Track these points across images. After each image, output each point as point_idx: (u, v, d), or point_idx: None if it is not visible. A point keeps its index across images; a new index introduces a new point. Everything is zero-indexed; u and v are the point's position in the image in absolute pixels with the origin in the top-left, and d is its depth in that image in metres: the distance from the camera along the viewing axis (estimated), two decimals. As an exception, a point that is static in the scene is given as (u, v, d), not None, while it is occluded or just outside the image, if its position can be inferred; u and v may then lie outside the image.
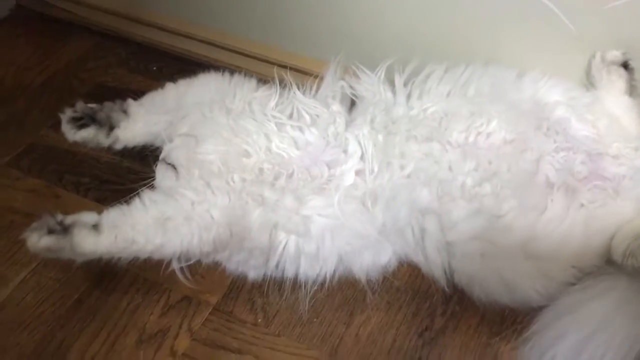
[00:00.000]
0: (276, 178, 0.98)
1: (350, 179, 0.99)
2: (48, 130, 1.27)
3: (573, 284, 0.91)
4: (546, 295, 0.91)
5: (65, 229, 0.90)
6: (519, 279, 0.92)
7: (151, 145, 1.12)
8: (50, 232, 0.89)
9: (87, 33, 1.48)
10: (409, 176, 0.97)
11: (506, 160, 0.96)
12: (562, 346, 0.86)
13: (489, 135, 0.99)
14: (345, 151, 1.00)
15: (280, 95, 1.07)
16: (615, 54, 1.04)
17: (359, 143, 1.00)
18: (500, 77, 1.05)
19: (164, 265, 0.99)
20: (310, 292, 0.99)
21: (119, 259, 0.93)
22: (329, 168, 1.00)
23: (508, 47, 1.08)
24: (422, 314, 0.98)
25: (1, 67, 1.42)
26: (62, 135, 1.11)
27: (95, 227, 0.90)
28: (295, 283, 1.00)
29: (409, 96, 1.05)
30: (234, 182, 0.95)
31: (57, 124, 1.12)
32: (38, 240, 0.88)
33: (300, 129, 1.02)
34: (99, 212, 0.93)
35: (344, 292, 1.01)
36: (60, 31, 1.50)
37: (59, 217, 0.91)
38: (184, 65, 1.35)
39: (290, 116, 1.04)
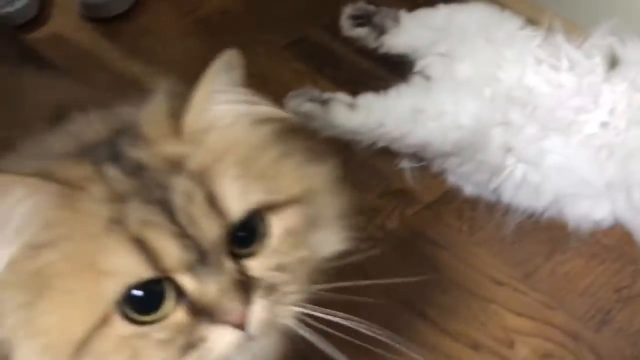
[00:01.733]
0: (523, 107, 1.03)
1: (593, 128, 1.01)
2: (320, 29, 1.45)
3: None
4: None
5: (324, 102, 1.06)
6: None
7: (407, 58, 1.24)
8: (311, 100, 1.06)
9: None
10: (654, 140, 0.97)
11: None
12: None
13: None
14: (595, 102, 1.03)
15: (545, 38, 1.11)
16: None
17: (613, 98, 1.02)
18: None
19: (394, 159, 1.12)
20: (518, 220, 1.05)
21: (359, 141, 1.07)
22: (575, 114, 1.03)
23: None
24: (624, 274, 0.99)
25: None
26: (330, 35, 1.27)
27: (351, 106, 1.05)
28: (507, 208, 1.06)
29: (677, 67, 1.03)
30: (486, 94, 1.03)
31: (328, 25, 1.29)
32: (299, 105, 1.05)
33: (557, 70, 1.06)
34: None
35: (550, 230, 1.05)
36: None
37: (318, 92, 1.07)
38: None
39: (550, 57, 1.08)
